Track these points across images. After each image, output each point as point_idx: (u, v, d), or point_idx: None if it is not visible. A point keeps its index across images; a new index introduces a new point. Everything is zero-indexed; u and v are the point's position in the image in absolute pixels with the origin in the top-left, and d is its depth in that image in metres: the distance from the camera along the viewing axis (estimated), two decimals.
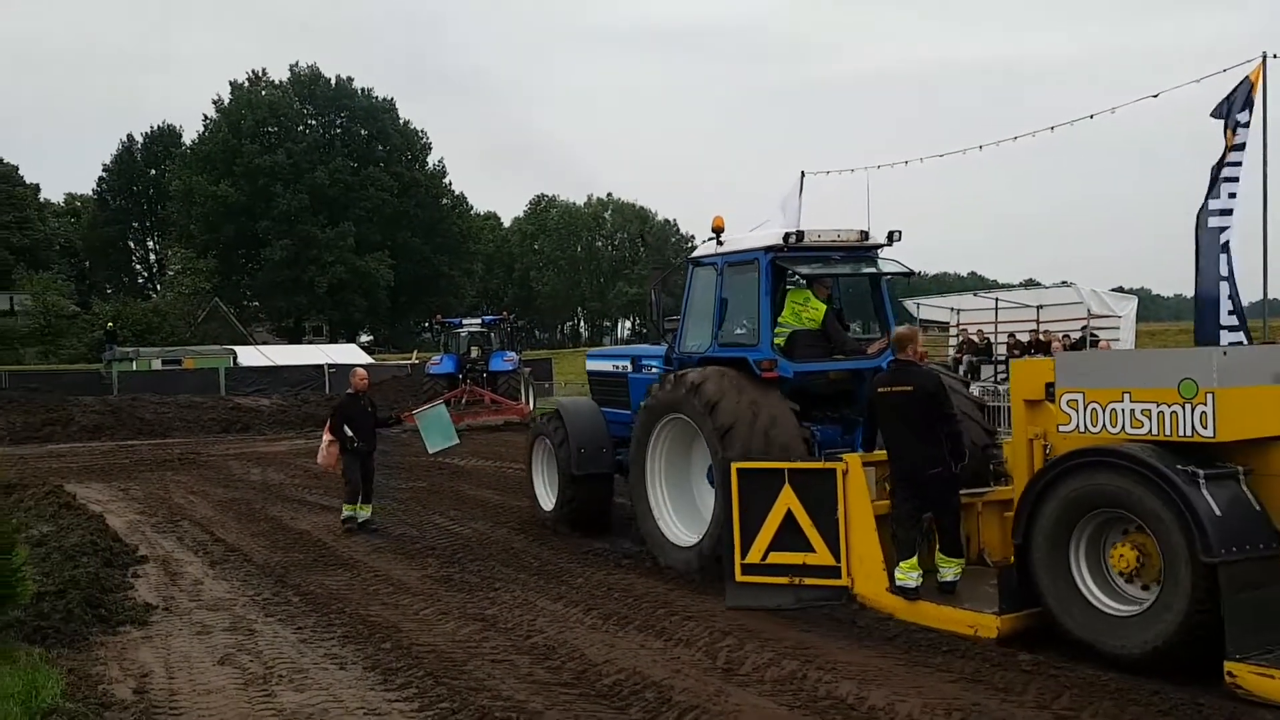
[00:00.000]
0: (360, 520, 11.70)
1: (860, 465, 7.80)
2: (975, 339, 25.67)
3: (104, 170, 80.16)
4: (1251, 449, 6.15)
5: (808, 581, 7.86)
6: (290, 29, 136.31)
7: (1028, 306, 25.92)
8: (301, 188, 67.15)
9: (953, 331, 27.79)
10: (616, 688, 6.09)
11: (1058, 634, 6.48)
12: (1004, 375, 24.37)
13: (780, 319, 9.45)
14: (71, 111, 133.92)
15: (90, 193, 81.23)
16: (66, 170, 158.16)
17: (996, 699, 5.77)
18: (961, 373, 25.18)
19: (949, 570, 7.47)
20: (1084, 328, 22.50)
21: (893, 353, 8.19)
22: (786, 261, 9.31)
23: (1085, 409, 6.58)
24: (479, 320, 28.37)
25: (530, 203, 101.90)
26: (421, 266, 73.77)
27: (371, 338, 74.23)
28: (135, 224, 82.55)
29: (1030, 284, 34.33)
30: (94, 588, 8.21)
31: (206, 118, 72.71)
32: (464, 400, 24.94)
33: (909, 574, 7.38)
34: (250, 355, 41.45)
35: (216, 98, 72.71)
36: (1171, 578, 5.90)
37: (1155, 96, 15.10)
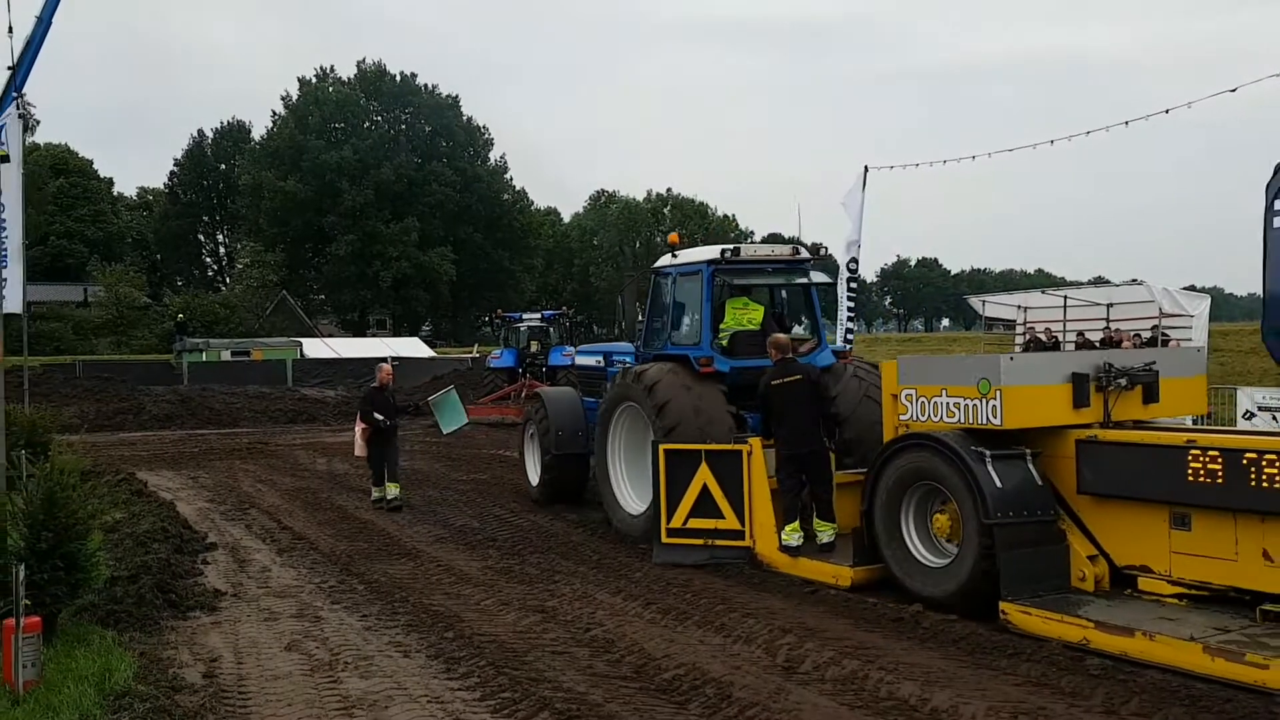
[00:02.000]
0: (390, 498, 12.67)
1: (761, 447, 9.32)
2: (1043, 337, 25.15)
3: (175, 165, 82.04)
4: (1044, 435, 7.56)
5: (719, 543, 9.37)
6: (357, 25, 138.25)
7: (1097, 305, 25.34)
8: (367, 183, 68.06)
9: (1019, 330, 27.29)
10: (676, 682, 6.10)
11: (894, 583, 7.93)
12: None
13: (724, 323, 10.89)
14: (144, 107, 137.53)
15: (162, 187, 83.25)
16: (139, 165, 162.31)
17: (1063, 703, 5.67)
18: None
19: (825, 533, 8.95)
20: (1155, 327, 21.93)
21: (775, 354, 9.52)
22: (724, 274, 10.85)
23: (917, 402, 8.09)
24: (538, 315, 28.54)
25: (590, 198, 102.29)
26: (482, 261, 74.40)
27: (433, 331, 75.09)
28: (205, 218, 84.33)
29: (1100, 282, 33.60)
30: (165, 573, 8.42)
31: (275, 114, 74.11)
32: (523, 394, 25.12)
33: (792, 535, 8.92)
34: (316, 347, 42.15)
35: (285, 94, 74.11)
36: (966, 536, 7.39)
37: (1234, 90, 14.61)
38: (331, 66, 75.66)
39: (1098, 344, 23.51)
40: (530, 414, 13.32)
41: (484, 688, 6.04)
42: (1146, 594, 7.12)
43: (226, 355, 38.23)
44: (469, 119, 77.61)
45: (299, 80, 74.63)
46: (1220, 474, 6.54)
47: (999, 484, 7.23)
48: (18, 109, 14.71)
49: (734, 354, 10.57)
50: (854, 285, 20.17)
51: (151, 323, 56.75)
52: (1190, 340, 21.17)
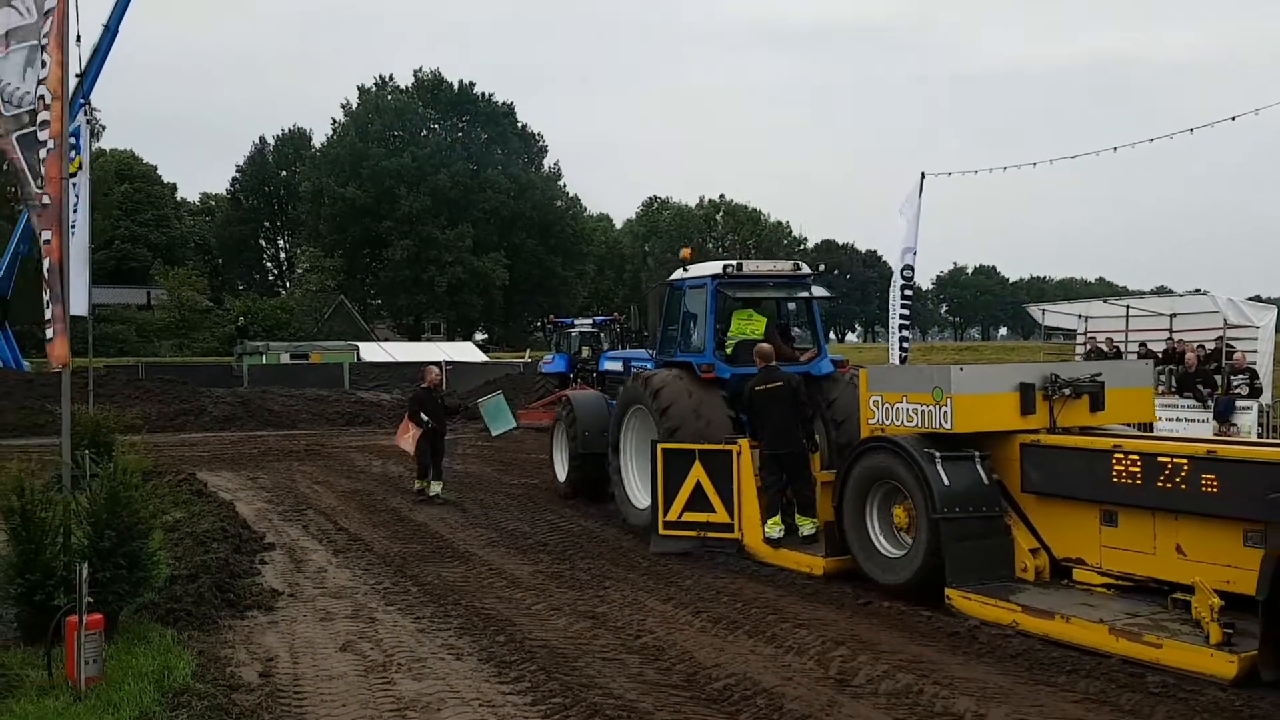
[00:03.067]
0: (431, 493, 13.57)
1: (748, 447, 10.05)
2: (1104, 347, 24.65)
3: (237, 171, 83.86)
4: (993, 439, 8.26)
5: (710, 535, 10.13)
6: (416, 34, 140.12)
7: (1160, 315, 24.77)
8: (423, 190, 68.93)
9: (1080, 339, 26.76)
10: (727, 692, 6.05)
11: (861, 572, 8.64)
12: None
13: (730, 332, 11.71)
14: (207, 114, 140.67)
15: (224, 192, 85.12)
16: (202, 171, 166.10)
17: None
18: None
19: (806, 527, 9.73)
20: (1219, 338, 21.35)
21: (759, 363, 10.34)
22: (727, 287, 11.62)
23: (883, 408, 8.82)
24: (590, 321, 28.63)
25: (642, 204, 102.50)
26: (535, 267, 74.94)
27: (486, 336, 75.73)
28: (266, 223, 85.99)
29: (1162, 291, 32.83)
30: (223, 573, 8.56)
31: (335, 121, 75.47)
32: None
33: (774, 528, 9.73)
34: (372, 351, 42.72)
35: (345, 102, 75.39)
36: (919, 530, 8.08)
37: None
38: (390, 75, 76.98)
39: (1160, 355, 23.00)
40: (559, 415, 14.30)
41: (535, 692, 6.05)
42: (1080, 584, 7.79)
43: (286, 358, 38.90)
44: (523, 126, 78.38)
45: (359, 88, 76.01)
46: (1139, 476, 7.20)
47: (946, 482, 7.95)
48: (85, 117, 15.13)
49: (737, 362, 11.25)
50: (909, 293, 19.95)
51: (213, 326, 57.94)
52: (1255, 352, 20.61)
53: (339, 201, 68.61)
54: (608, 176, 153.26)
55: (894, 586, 8.22)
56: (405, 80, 76.57)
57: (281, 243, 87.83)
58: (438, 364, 16.95)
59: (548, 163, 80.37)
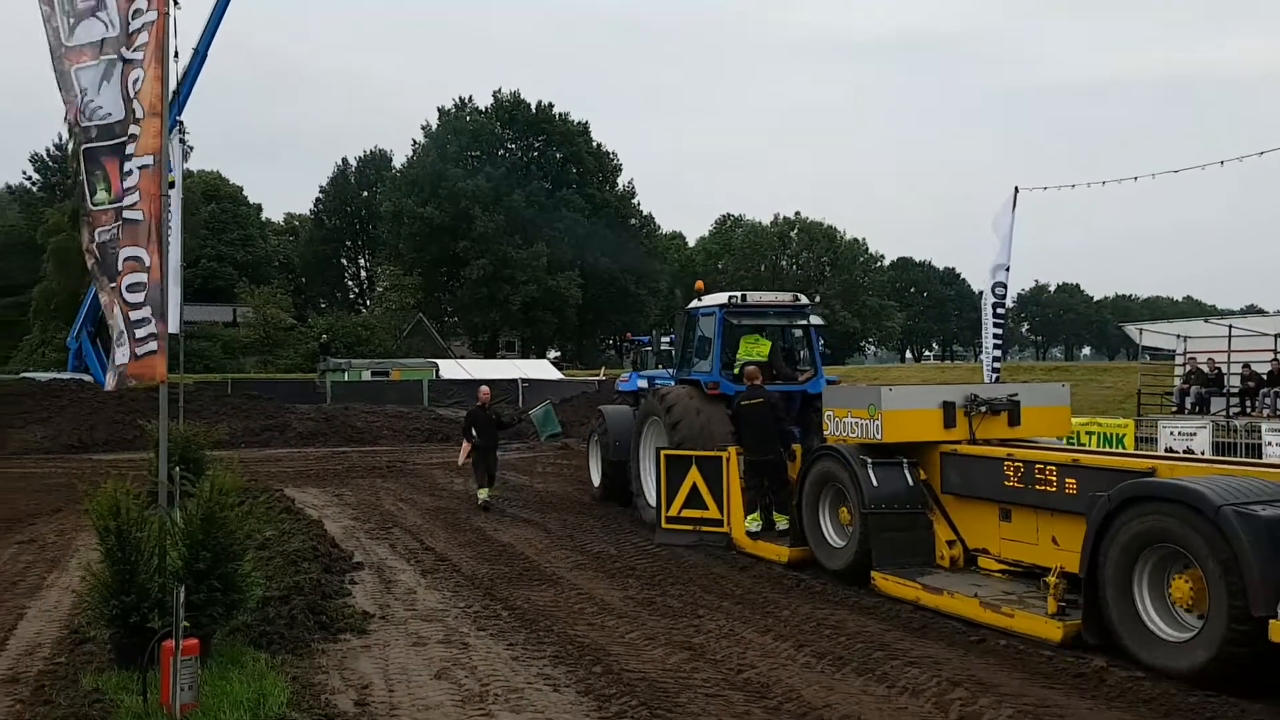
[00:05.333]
0: (480, 500, 14.65)
1: (736, 454, 11.58)
2: (1204, 369, 23.61)
3: (321, 191, 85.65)
4: (921, 448, 9.65)
5: (704, 529, 11.70)
6: (496, 55, 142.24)
7: (1264, 335, 23.66)
8: (499, 210, 69.60)
9: (1179, 360, 25.69)
10: None
11: (812, 562, 10.15)
12: (1236, 408, 22.29)
13: (738, 354, 13.12)
14: (293, 135, 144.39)
15: (308, 213, 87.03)
16: (287, 191, 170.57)
17: None
18: (1188, 406, 23.22)
19: (781, 523, 11.28)
20: None
21: (746, 381, 11.96)
22: (733, 315, 13.23)
23: (834, 421, 10.30)
24: (667, 339, 28.38)
25: (715, 222, 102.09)
26: (609, 285, 75.04)
27: (560, 353, 76.02)
28: (348, 242, 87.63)
29: (1251, 310, 31.40)
30: (315, 594, 8.44)
31: (415, 143, 76.70)
32: None
33: (753, 523, 11.39)
34: (450, 368, 43.05)
35: (425, 124, 76.61)
36: (854, 523, 9.55)
37: None
38: (470, 96, 77.92)
39: (1265, 376, 21.91)
40: (594, 427, 15.98)
41: None
42: (984, 570, 9.07)
43: (367, 375, 39.39)
44: (598, 145, 78.66)
45: (439, 110, 77.17)
46: (1023, 479, 8.48)
47: (875, 483, 9.40)
48: (178, 137, 15.39)
49: (742, 381, 12.28)
50: (1000, 312, 19.29)
51: (296, 343, 59.00)
52: None
53: (417, 221, 69.59)
54: (682, 194, 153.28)
55: (836, 571, 9.74)
56: (485, 101, 77.62)
57: (362, 261, 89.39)
58: (488, 382, 18.97)
59: (621, 181, 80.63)
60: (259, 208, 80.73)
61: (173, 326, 15.76)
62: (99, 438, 25.40)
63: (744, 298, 13.27)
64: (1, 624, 8.05)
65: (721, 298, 13.36)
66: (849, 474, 9.55)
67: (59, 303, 44.36)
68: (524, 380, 36.75)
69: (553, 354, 72.30)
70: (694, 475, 11.75)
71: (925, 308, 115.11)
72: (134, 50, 6.02)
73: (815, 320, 13.84)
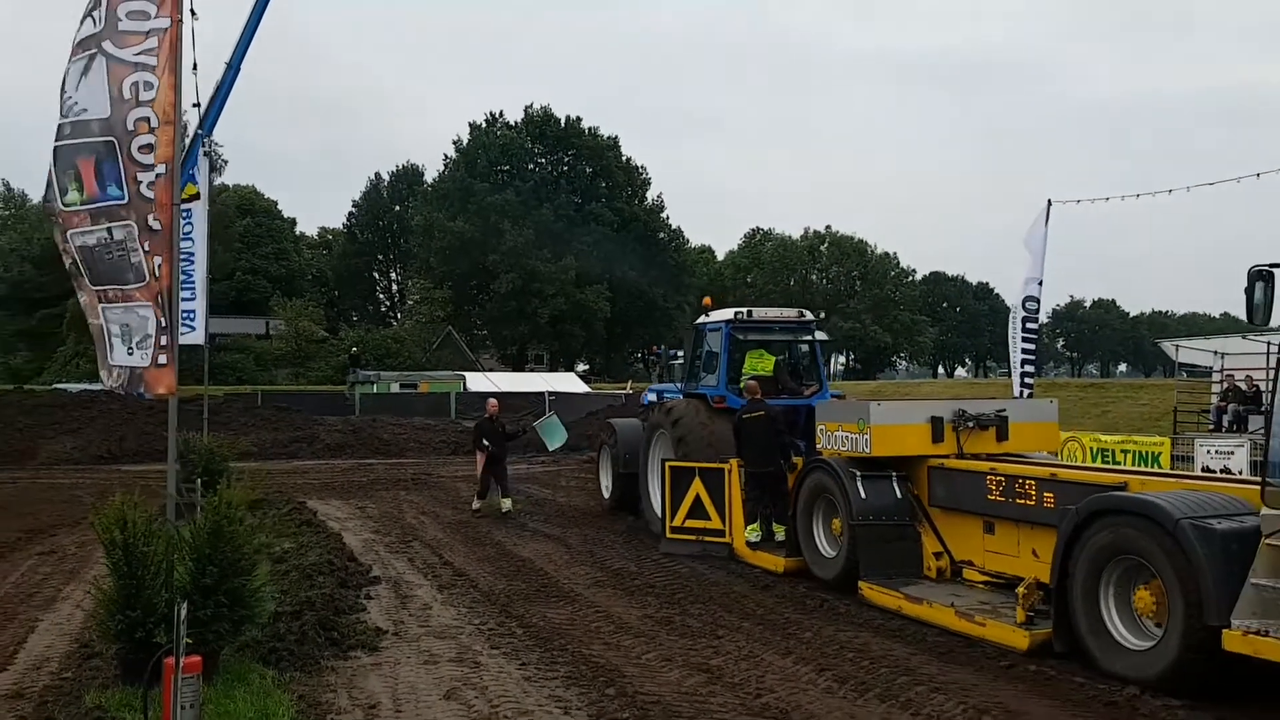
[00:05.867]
0: (504, 510, 15.20)
1: (737, 467, 11.84)
2: (1243, 386, 23.04)
3: (353, 206, 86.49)
4: (910, 462, 9.87)
5: (707, 539, 11.94)
6: (526, 71, 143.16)
7: None
8: (529, 223, 69.84)
9: (1216, 377, 25.11)
10: None
11: (807, 572, 10.43)
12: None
13: (744, 369, 13.33)
14: (328, 151, 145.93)
15: (341, 227, 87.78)
16: (320, 205, 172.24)
17: None
18: (1225, 424, 22.66)
19: (780, 534, 11.37)
20: None
21: (746, 395, 12.24)
22: (740, 330, 13.47)
23: (826, 435, 10.48)
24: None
25: (745, 236, 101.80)
26: (637, 299, 75.00)
27: (588, 367, 75.99)
28: (380, 256, 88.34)
29: None
30: (328, 609, 8.33)
31: (446, 157, 77.23)
32: None
33: (752, 533, 11.63)
34: (478, 381, 43.12)
35: (456, 138, 77.12)
36: (844, 534, 9.84)
37: None
38: (501, 111, 78.37)
39: None
40: (604, 439, 16.18)
41: None
42: (968, 581, 9.23)
43: (395, 387, 39.53)
44: (628, 159, 78.80)
45: (470, 125, 77.67)
46: (1003, 493, 8.73)
47: (864, 496, 9.64)
48: (204, 150, 15.44)
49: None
50: (1032, 326, 18.92)
51: (328, 355, 59.40)
52: None
53: (448, 235, 70.00)
54: (711, 209, 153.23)
55: (827, 580, 10.03)
56: (516, 116, 78.02)
57: (394, 275, 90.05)
58: (497, 395, 19.50)
59: (650, 195, 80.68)
60: (293, 222, 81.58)
61: (199, 338, 15.93)
62: (128, 448, 25.57)
63: (750, 313, 13.55)
64: (13, 637, 8.01)
65: (728, 313, 13.56)
66: (839, 486, 9.84)
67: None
68: (551, 394, 36.67)
69: (581, 367, 72.34)
70: (697, 486, 12.04)
71: (958, 323, 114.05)
72: (133, 53, 5.93)
73: (820, 336, 14.16)
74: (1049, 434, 10.37)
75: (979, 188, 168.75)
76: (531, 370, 63.46)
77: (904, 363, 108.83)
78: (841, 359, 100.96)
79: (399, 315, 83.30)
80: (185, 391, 24.10)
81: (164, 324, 6.11)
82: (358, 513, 15.86)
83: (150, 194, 5.92)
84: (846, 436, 10.05)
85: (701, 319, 14.34)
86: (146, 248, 5.92)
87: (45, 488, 19.21)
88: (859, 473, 9.73)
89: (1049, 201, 18.02)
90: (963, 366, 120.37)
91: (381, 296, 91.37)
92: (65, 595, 9.67)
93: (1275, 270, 6.27)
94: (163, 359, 6.11)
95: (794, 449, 11.93)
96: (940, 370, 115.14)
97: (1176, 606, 6.44)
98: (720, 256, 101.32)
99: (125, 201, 6.00)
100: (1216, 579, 6.18)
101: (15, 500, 17.32)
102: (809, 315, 13.98)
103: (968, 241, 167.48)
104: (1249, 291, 6.34)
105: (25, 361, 54.32)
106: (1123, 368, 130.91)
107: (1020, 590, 7.85)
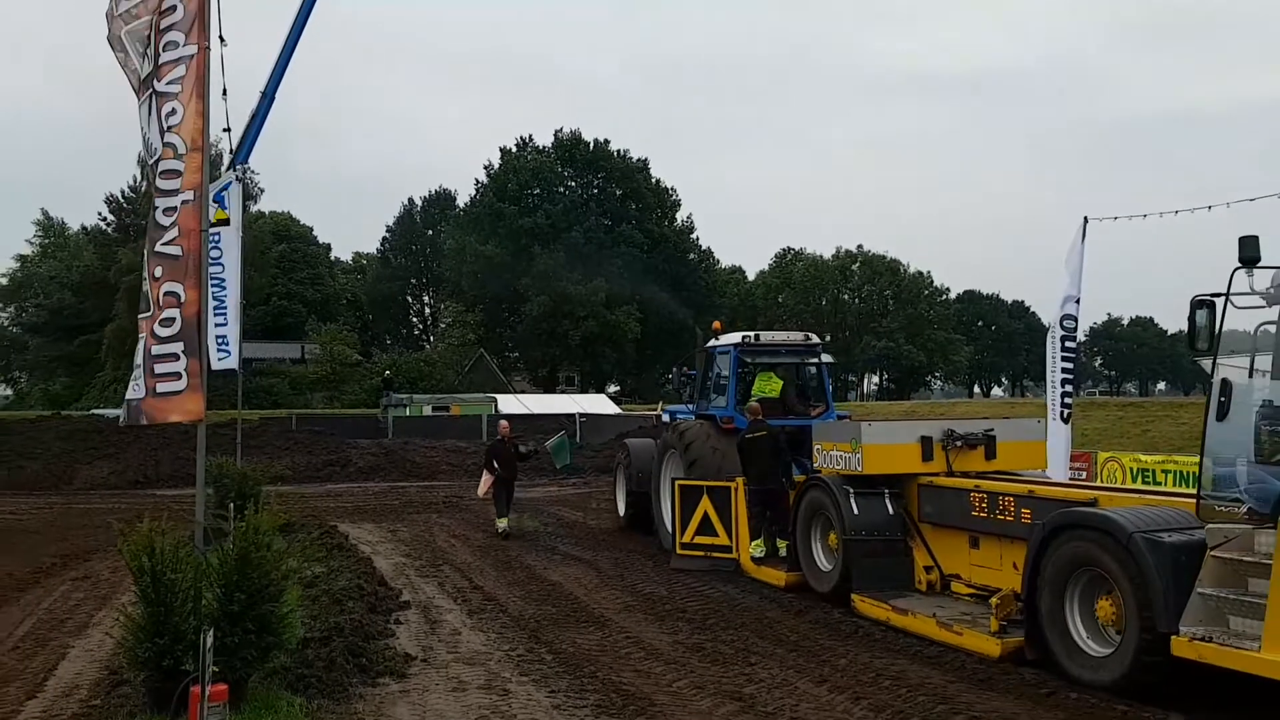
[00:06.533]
0: (499, 529, 15.46)
1: (743, 485, 12.33)
2: None
3: (387, 231, 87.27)
4: (902, 479, 10.33)
5: (715, 555, 12.45)
6: (558, 95, 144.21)
7: None
8: (558, 246, 70.12)
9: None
10: None
11: (808, 586, 10.84)
12: None
13: (753, 390, 13.74)
14: (360, 178, 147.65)
15: (374, 251, 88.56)
16: (354, 231, 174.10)
17: None
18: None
19: (783, 549, 11.74)
20: None
21: (749, 416, 12.68)
22: (747, 354, 14.02)
23: (823, 454, 10.94)
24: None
25: (775, 256, 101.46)
26: (667, 320, 74.89)
27: (619, 388, 75.92)
28: (413, 280, 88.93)
29: None
30: (357, 635, 8.29)
31: (478, 182, 77.82)
32: None
33: (757, 549, 12.09)
34: (509, 403, 43.10)
35: (488, 163, 77.73)
36: (838, 549, 10.29)
37: None
38: (530, 136, 78.87)
39: None
40: (619, 459, 16.79)
41: None
42: (956, 594, 9.68)
43: (428, 410, 39.56)
44: (657, 181, 78.94)
45: (500, 150, 78.24)
46: (987, 509, 9.14)
47: (856, 511, 10.10)
48: (238, 177, 15.61)
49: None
50: (1070, 345, 18.62)
51: (362, 378, 59.72)
52: None
53: (479, 259, 70.42)
54: (742, 230, 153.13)
55: (824, 594, 10.47)
56: (545, 140, 78.51)
57: (426, 299, 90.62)
58: (508, 418, 20.34)
59: (681, 216, 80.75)
60: (328, 247, 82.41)
61: (233, 363, 16.05)
62: (164, 473, 25.80)
63: (757, 337, 14.25)
64: (44, 663, 8.03)
65: (735, 337, 14.19)
66: (833, 502, 10.35)
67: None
68: (582, 415, 36.60)
69: (612, 388, 72.27)
70: (705, 504, 12.52)
71: (993, 341, 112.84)
72: (167, 83, 5.99)
73: (826, 359, 14.65)
74: (1036, 453, 10.87)
75: (1015, 204, 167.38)
76: (562, 392, 63.49)
77: (939, 382, 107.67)
78: (875, 379, 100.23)
79: (431, 338, 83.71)
80: (220, 416, 24.25)
81: (167, 352, 6.09)
82: (389, 536, 15.85)
83: (164, 220, 5.95)
84: (840, 455, 10.50)
85: (711, 342, 14.89)
86: (158, 274, 5.92)
87: (81, 513, 19.40)
88: (852, 490, 10.21)
89: (1085, 219, 17.76)
90: (999, 386, 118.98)
91: (414, 320, 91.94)
92: (97, 621, 9.70)
93: (1215, 299, 6.72)
94: (177, 386, 6.08)
95: (799, 467, 12.38)
96: (976, 389, 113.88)
97: (1131, 614, 6.86)
98: (751, 277, 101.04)
99: (146, 230, 6.03)
100: (1166, 588, 6.60)
101: (51, 525, 17.51)
102: (814, 339, 14.53)
103: (1002, 259, 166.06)
104: (1191, 319, 6.85)
105: (64, 387, 55.07)
106: (1161, 386, 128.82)
107: (994, 601, 8.32)
